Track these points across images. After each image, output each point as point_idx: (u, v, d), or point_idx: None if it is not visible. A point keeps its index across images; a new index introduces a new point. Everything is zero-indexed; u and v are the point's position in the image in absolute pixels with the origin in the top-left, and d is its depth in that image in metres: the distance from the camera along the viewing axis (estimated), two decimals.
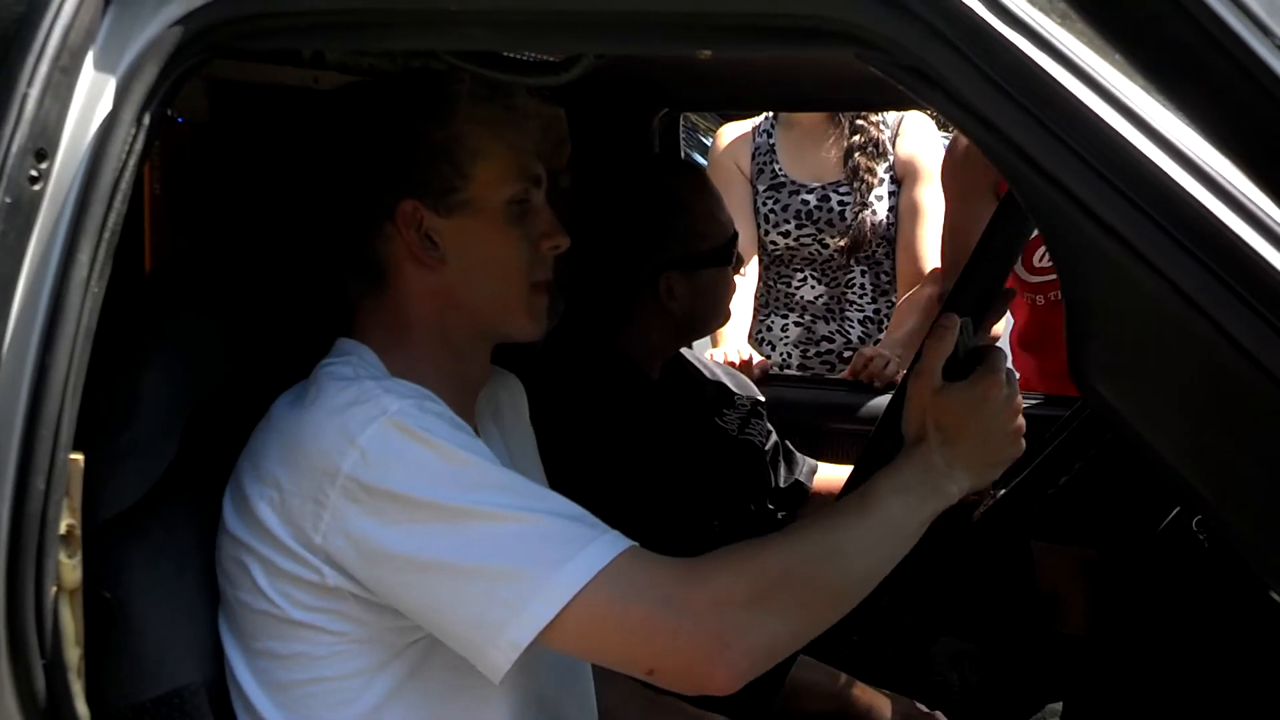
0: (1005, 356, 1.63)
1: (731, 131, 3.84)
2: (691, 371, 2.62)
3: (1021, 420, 1.60)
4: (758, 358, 3.41)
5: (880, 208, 3.59)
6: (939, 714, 2.26)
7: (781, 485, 2.68)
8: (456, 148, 1.64)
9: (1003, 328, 3.40)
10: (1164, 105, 1.22)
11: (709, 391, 2.62)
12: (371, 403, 1.50)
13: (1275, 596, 1.39)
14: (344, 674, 1.56)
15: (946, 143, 3.51)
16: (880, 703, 2.23)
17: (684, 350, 2.65)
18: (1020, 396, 1.60)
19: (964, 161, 3.13)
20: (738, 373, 2.90)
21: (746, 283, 3.63)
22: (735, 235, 2.44)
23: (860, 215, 3.57)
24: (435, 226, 1.64)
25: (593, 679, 1.89)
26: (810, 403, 3.21)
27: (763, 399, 2.76)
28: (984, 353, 1.62)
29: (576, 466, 1.94)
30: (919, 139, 3.61)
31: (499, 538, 1.46)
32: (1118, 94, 1.22)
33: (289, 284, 1.82)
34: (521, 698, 1.66)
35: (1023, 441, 1.61)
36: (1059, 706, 2.52)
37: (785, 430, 2.90)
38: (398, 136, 1.64)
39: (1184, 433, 1.29)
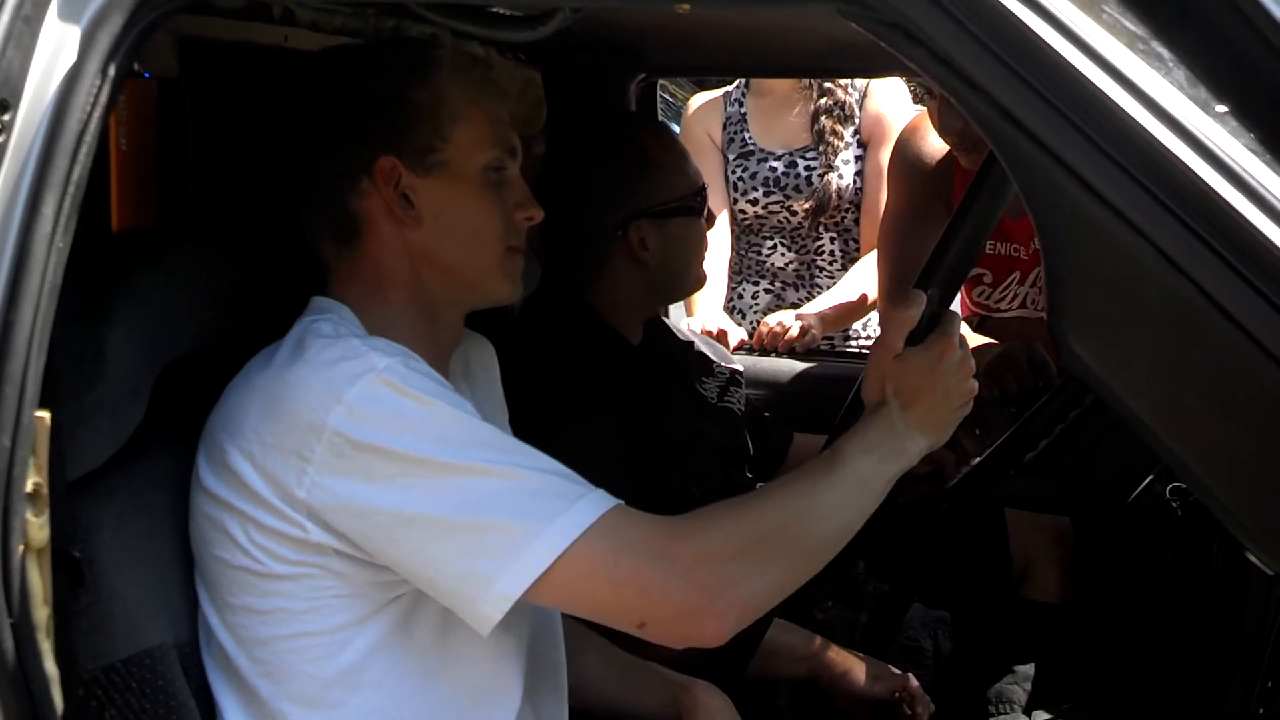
0: (959, 320, 1.70)
1: (702, 101, 3.82)
2: (671, 338, 2.62)
3: (974, 383, 1.68)
4: (734, 329, 3.40)
5: (847, 172, 3.58)
6: (910, 675, 2.27)
7: (758, 453, 2.67)
8: (438, 109, 1.66)
9: None
10: (1158, 56, 1.21)
11: (689, 358, 2.62)
12: (359, 359, 1.51)
13: (1251, 558, 1.39)
14: (325, 629, 1.55)
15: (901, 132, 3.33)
16: (855, 666, 2.24)
17: (664, 319, 2.64)
18: (972, 360, 1.68)
19: (915, 167, 3.05)
20: (714, 342, 2.90)
21: (720, 253, 3.61)
22: (704, 188, 2.44)
23: (825, 178, 3.56)
24: (412, 185, 1.66)
25: (568, 644, 1.88)
26: (783, 372, 3.20)
27: (741, 368, 2.76)
28: (940, 318, 1.69)
29: (553, 431, 1.93)
30: (886, 99, 3.59)
31: (490, 492, 1.47)
32: (1104, 54, 1.21)
33: (260, 242, 1.80)
34: (502, 656, 1.67)
35: (972, 403, 1.70)
36: (1030, 670, 2.53)
37: (759, 399, 2.90)
38: (381, 93, 1.66)
39: (1164, 396, 1.29)
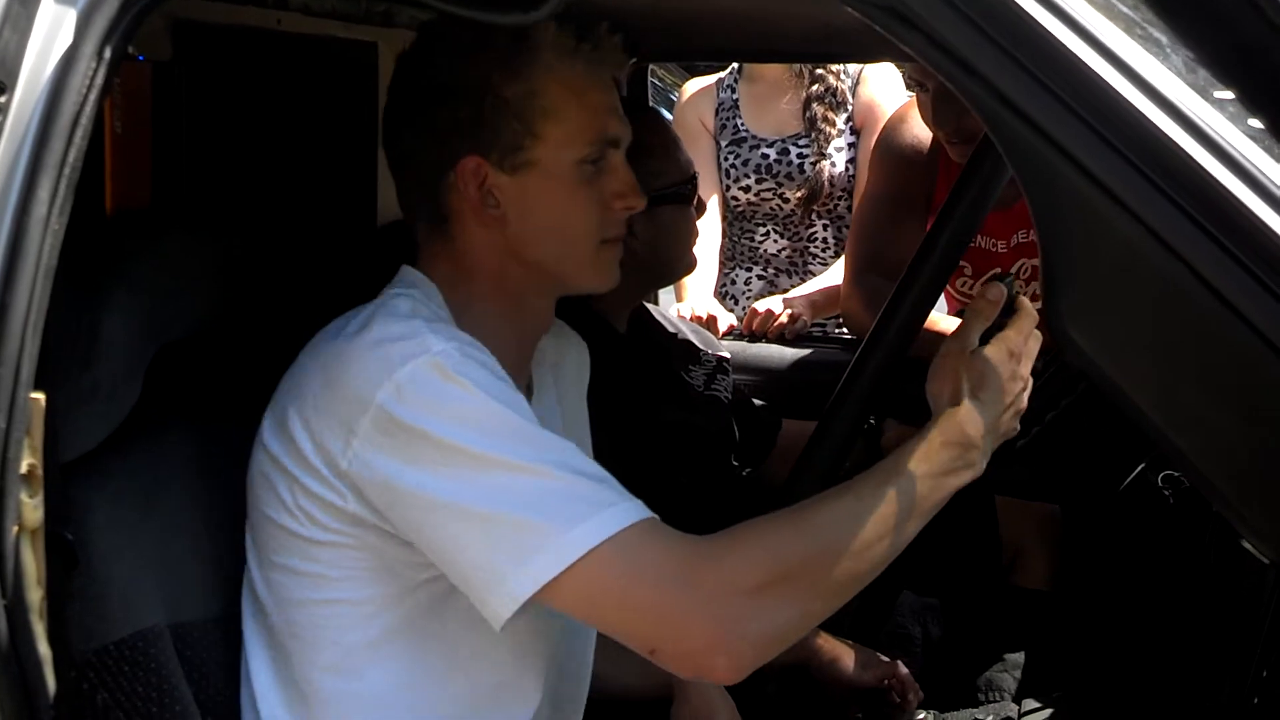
0: (1035, 320, 1.57)
1: (695, 87, 3.81)
2: (658, 327, 2.61)
3: (1025, 399, 1.57)
4: (724, 314, 3.40)
5: (839, 159, 3.57)
6: (899, 663, 2.27)
7: (747, 441, 2.67)
8: (528, 105, 1.60)
9: None
10: (1155, 41, 1.21)
11: (675, 347, 2.62)
12: (416, 340, 1.49)
13: (1247, 546, 1.39)
14: (356, 599, 1.56)
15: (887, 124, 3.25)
16: (844, 653, 2.24)
17: (650, 307, 2.64)
18: (1030, 369, 1.56)
19: (899, 157, 3.01)
20: (703, 330, 2.89)
21: (712, 239, 3.61)
22: (694, 176, 2.43)
23: (818, 165, 3.56)
24: (499, 184, 1.62)
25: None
26: (773, 358, 3.20)
27: (728, 355, 2.75)
28: (1017, 312, 1.57)
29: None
30: (879, 86, 3.59)
31: (518, 489, 1.44)
32: (1099, 36, 1.21)
33: (255, 224, 1.79)
34: (525, 659, 1.66)
35: (1018, 424, 1.58)
36: (1020, 658, 2.54)
37: (748, 385, 2.90)
38: (468, 88, 1.60)
39: (1160, 382, 1.29)
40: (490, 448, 1.45)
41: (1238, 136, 1.19)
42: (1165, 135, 1.20)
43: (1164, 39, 1.25)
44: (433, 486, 1.45)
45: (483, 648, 1.60)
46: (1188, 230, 1.20)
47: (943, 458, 1.49)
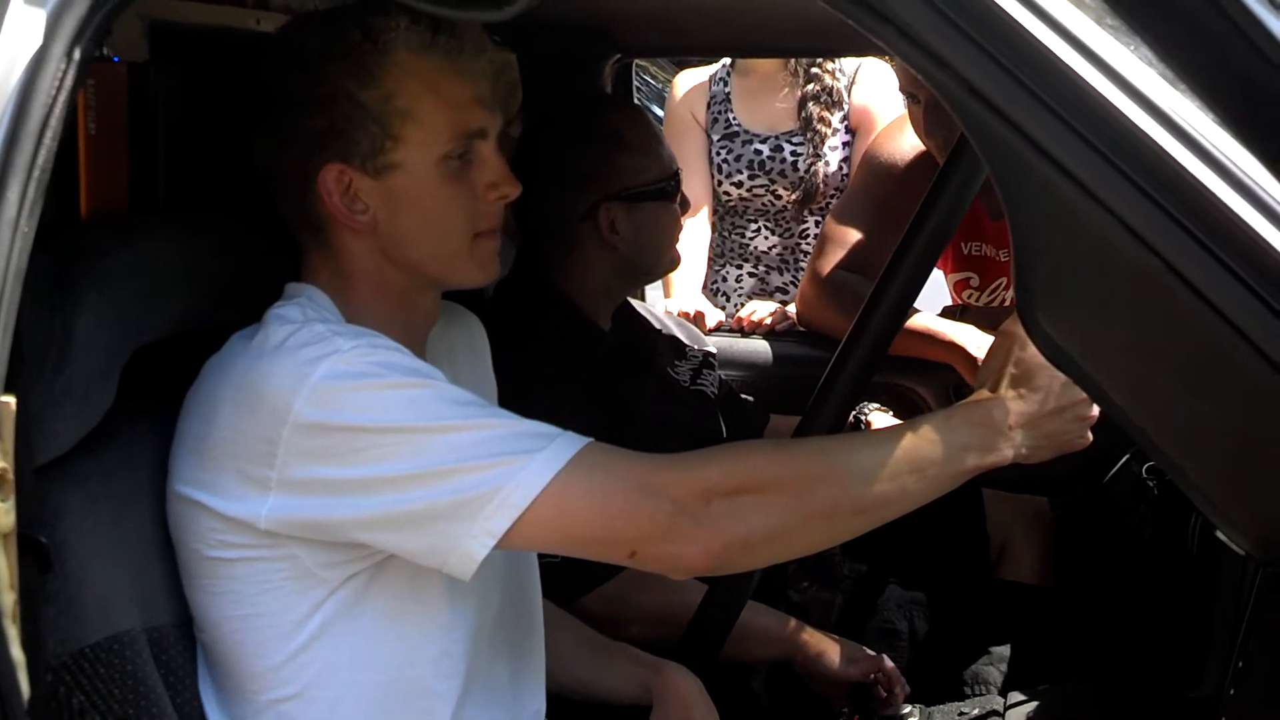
0: None
1: (687, 80, 3.80)
2: (643, 323, 2.61)
3: (1095, 413, 1.57)
4: (711, 310, 3.39)
5: (834, 159, 3.57)
6: (885, 657, 2.27)
7: (734, 436, 2.67)
8: (385, 108, 1.58)
9: None
10: (1124, 38, 1.21)
11: (661, 343, 2.61)
12: (322, 343, 1.50)
13: (1221, 537, 1.39)
14: (274, 611, 1.56)
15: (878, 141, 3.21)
16: (829, 647, 2.24)
17: (636, 303, 2.63)
18: None
19: (886, 171, 2.98)
20: (689, 325, 2.89)
21: (701, 234, 3.60)
22: (678, 173, 2.42)
23: (813, 166, 3.55)
24: (364, 188, 1.60)
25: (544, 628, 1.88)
26: (760, 352, 3.20)
27: (714, 350, 2.75)
28: None
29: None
30: (875, 88, 3.58)
31: (467, 442, 1.47)
32: (1072, 30, 1.21)
33: (232, 226, 1.79)
34: (450, 643, 1.65)
35: (1089, 435, 1.58)
36: (1006, 651, 2.54)
37: (736, 380, 2.90)
38: (324, 99, 1.58)
39: (1134, 374, 1.29)
40: (426, 418, 1.48)
41: (1208, 126, 1.19)
42: (1135, 125, 1.20)
43: (1134, 29, 1.25)
44: (378, 470, 1.47)
45: (405, 633, 1.61)
46: (1159, 221, 1.20)
47: (963, 432, 1.52)
